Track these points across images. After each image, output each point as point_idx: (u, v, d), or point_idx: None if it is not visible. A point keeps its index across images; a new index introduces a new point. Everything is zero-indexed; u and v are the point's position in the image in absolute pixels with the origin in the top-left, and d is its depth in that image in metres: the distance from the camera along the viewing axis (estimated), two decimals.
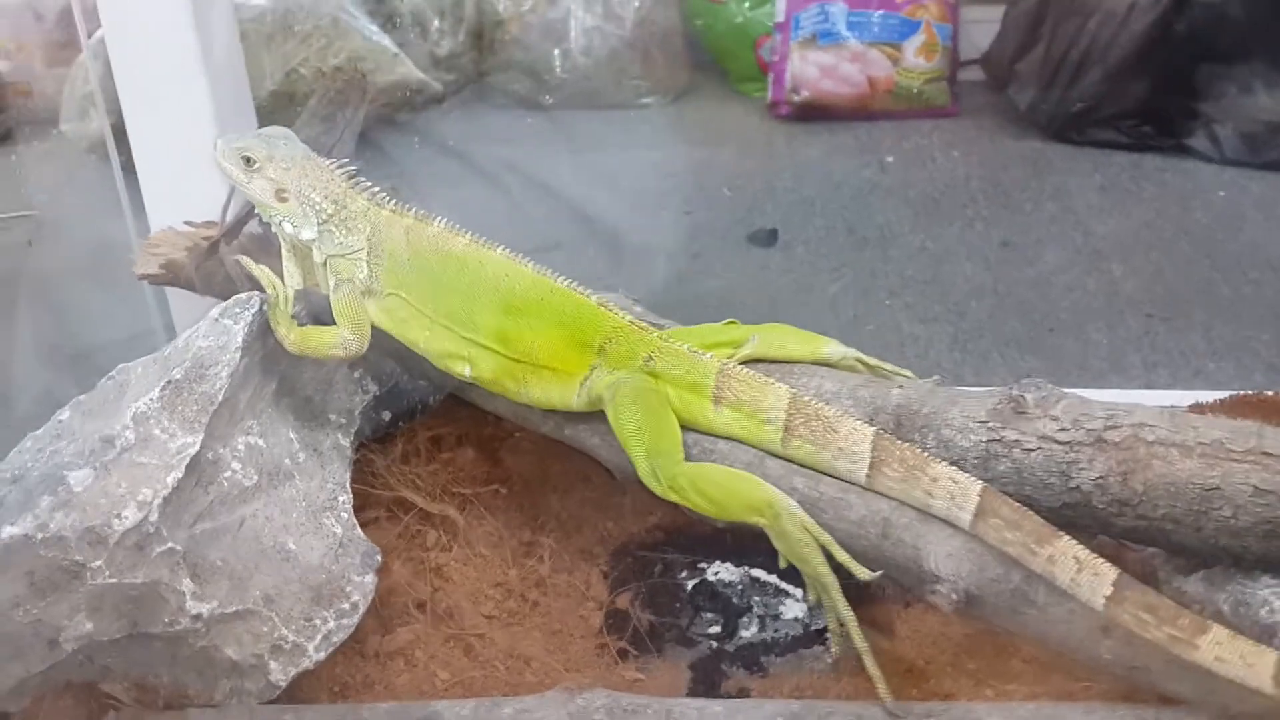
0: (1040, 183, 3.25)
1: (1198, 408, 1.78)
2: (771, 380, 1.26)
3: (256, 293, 1.38)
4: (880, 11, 3.77)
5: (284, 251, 1.42)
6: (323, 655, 1.29)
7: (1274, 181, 3.12)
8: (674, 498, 1.23)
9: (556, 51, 4.22)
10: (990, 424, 1.23)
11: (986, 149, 3.54)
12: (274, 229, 1.41)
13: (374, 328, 1.39)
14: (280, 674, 1.27)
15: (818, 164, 3.56)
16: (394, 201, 1.40)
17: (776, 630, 1.42)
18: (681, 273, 2.86)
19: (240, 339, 1.33)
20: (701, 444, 1.29)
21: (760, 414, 1.25)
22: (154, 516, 1.20)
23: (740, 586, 1.49)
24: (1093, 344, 2.40)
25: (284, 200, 1.37)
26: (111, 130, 2.14)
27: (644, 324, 1.33)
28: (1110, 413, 1.19)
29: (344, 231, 1.37)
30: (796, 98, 3.83)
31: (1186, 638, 1.03)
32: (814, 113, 3.85)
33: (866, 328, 2.53)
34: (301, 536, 1.35)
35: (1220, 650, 1.02)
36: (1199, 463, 1.14)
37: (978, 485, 1.14)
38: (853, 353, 1.43)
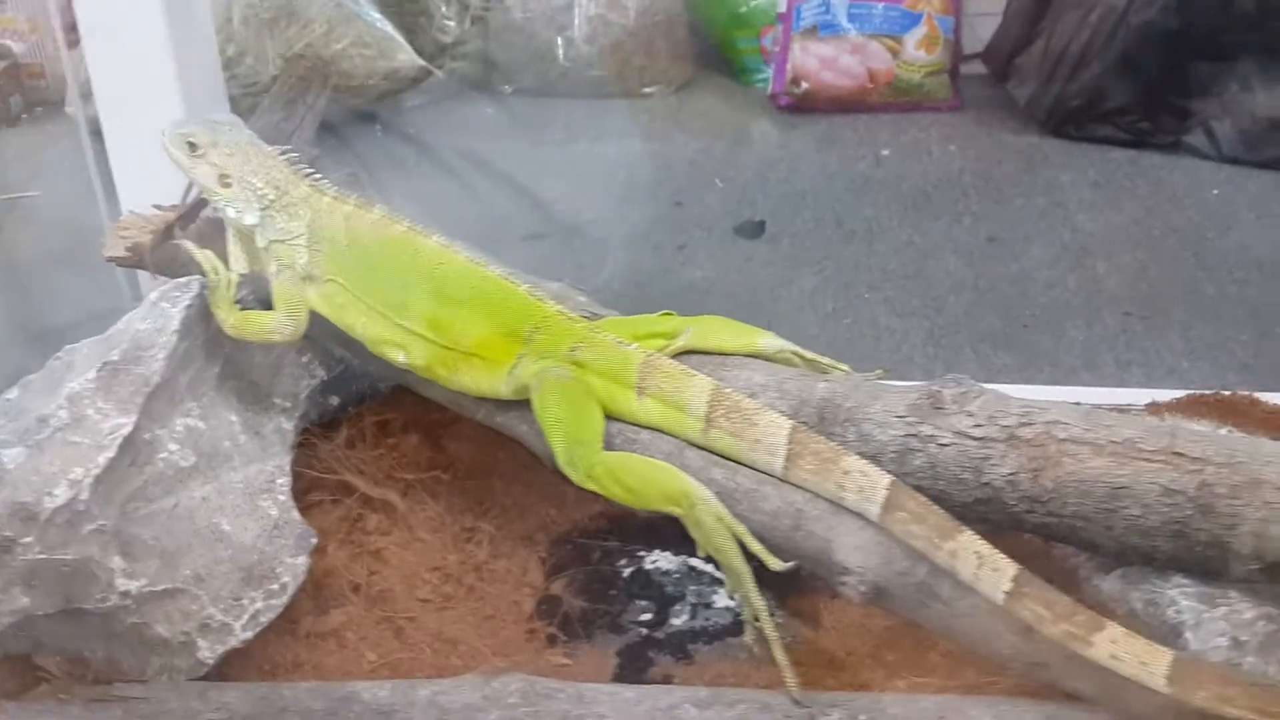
0: (1034, 178, 3.24)
1: (1154, 407, 1.78)
2: (694, 372, 1.27)
3: (196, 277, 1.40)
4: (881, 4, 3.76)
5: (229, 236, 1.44)
6: (250, 635, 1.31)
7: (1270, 180, 3.10)
8: (591, 486, 1.25)
9: (560, 39, 4.22)
10: (908, 419, 1.23)
11: (984, 143, 3.53)
12: (219, 214, 1.43)
13: (314, 314, 1.41)
14: (208, 652, 1.29)
15: (813, 156, 3.55)
16: (336, 189, 1.42)
17: (707, 619, 1.43)
18: (665, 264, 2.87)
19: (177, 322, 1.35)
20: (625, 433, 1.30)
21: (682, 405, 1.26)
22: (84, 495, 1.22)
23: (677, 575, 1.50)
24: (1068, 341, 2.39)
25: (227, 185, 1.39)
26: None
27: (572, 314, 1.34)
28: (1026, 410, 1.19)
29: (285, 217, 1.39)
30: (796, 89, 3.82)
31: (1082, 634, 1.03)
32: (814, 104, 3.84)
33: (844, 321, 2.54)
34: (236, 518, 1.37)
35: (1115, 648, 1.02)
36: (1109, 461, 1.14)
37: (886, 479, 1.14)
38: (789, 346, 1.44)
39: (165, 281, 1.47)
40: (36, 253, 2.39)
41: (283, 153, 1.42)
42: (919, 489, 1.22)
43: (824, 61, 3.79)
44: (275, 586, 1.35)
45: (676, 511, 1.22)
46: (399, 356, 1.38)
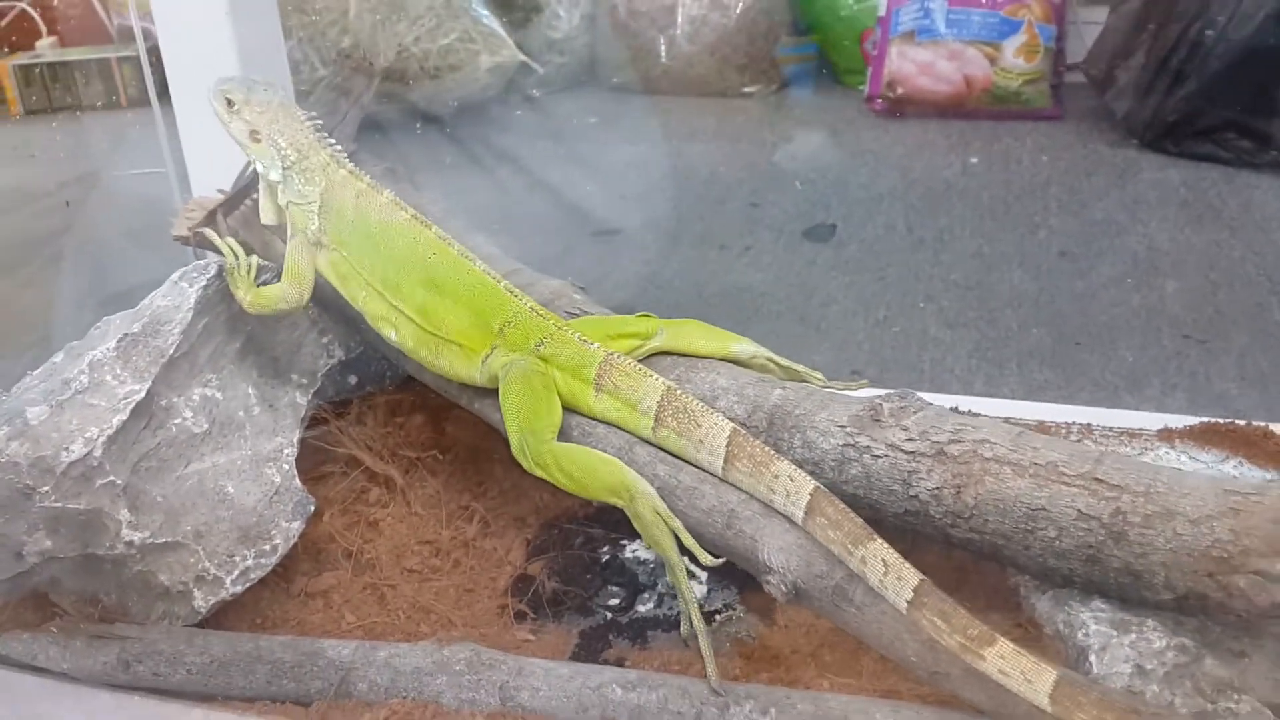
0: (1121, 193, 3.17)
1: (1166, 433, 1.77)
2: (650, 373, 1.33)
3: (217, 259, 1.53)
4: (980, 10, 3.72)
5: (262, 189, 1.55)
6: (240, 589, 1.43)
7: None
8: (539, 473, 1.32)
9: (662, 39, 4.30)
10: (848, 429, 1.27)
11: (1077, 155, 3.47)
12: (253, 167, 1.54)
13: (321, 279, 1.51)
14: (202, 602, 1.42)
15: (899, 161, 3.55)
16: (353, 165, 1.51)
17: (671, 609, 1.49)
18: (728, 264, 2.92)
19: (193, 300, 1.48)
20: (582, 426, 1.37)
21: (635, 402, 1.32)
22: (98, 452, 1.36)
23: (651, 565, 1.56)
24: (1116, 361, 2.35)
25: (257, 141, 1.50)
26: None
27: (544, 312, 1.41)
28: (958, 427, 1.22)
29: (302, 180, 1.49)
30: (891, 93, 3.82)
31: (975, 648, 1.06)
32: (909, 109, 3.83)
33: (892, 329, 2.55)
34: (241, 482, 1.50)
35: (1004, 663, 1.05)
36: (1029, 482, 1.16)
37: (810, 484, 1.19)
38: (763, 352, 1.49)
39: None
40: (125, 228, 2.59)
41: (310, 120, 1.52)
42: (855, 498, 1.27)
43: (920, 66, 3.78)
44: (267, 547, 1.47)
45: (618, 503, 1.28)
46: (391, 334, 1.47)
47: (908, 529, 1.25)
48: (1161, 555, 1.09)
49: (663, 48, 4.30)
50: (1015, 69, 3.69)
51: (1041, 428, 1.79)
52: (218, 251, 1.57)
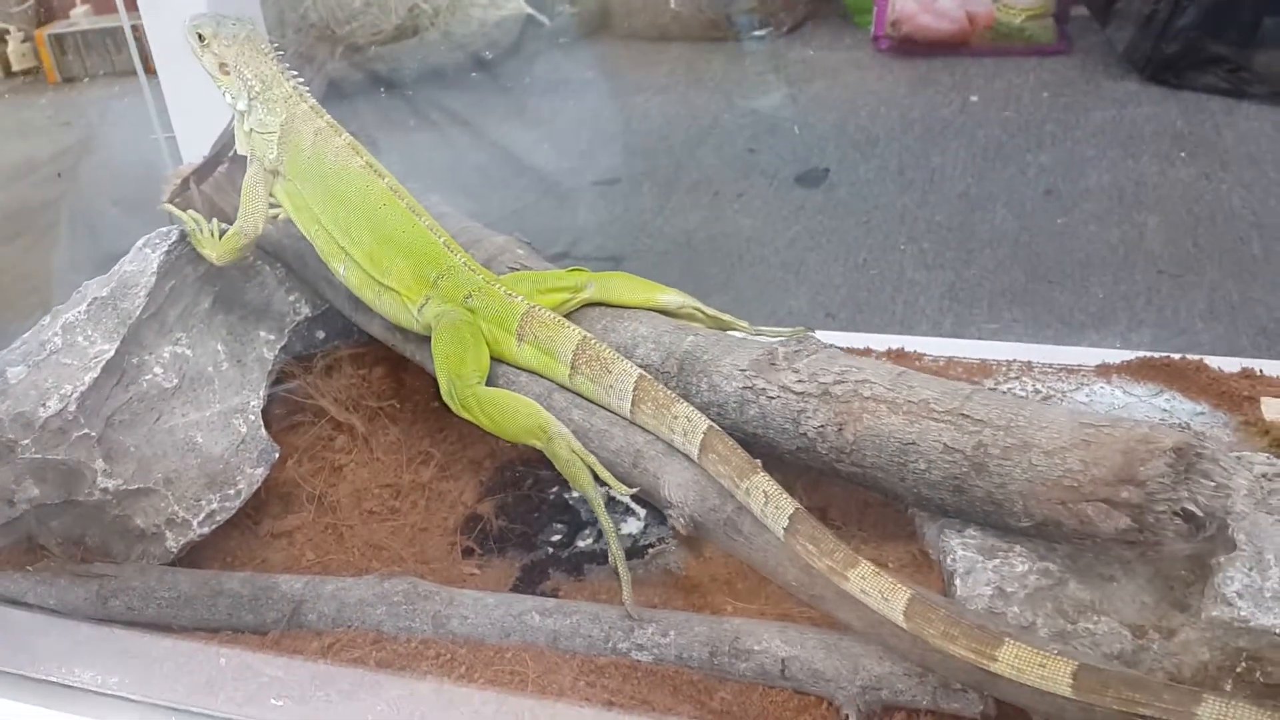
0: (1117, 128, 3.17)
1: (1104, 369, 1.82)
2: (568, 323, 1.42)
3: (178, 226, 1.64)
4: None
5: (235, 121, 1.63)
6: (206, 530, 1.56)
7: None
8: (465, 415, 1.43)
9: None
10: (748, 372, 1.35)
11: (1078, 91, 3.46)
12: (224, 98, 1.64)
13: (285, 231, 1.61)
14: (173, 542, 1.55)
15: (899, 101, 3.57)
16: (314, 101, 1.60)
17: (608, 544, 1.59)
18: (720, 211, 2.99)
19: (155, 265, 1.60)
20: (507, 375, 1.47)
21: (553, 351, 1.42)
22: (72, 407, 1.49)
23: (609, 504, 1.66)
24: (1087, 298, 2.39)
25: (225, 73, 1.60)
26: None
27: (475, 266, 1.51)
28: (844, 369, 1.30)
29: (264, 110, 1.59)
30: (895, 33, 3.82)
31: (839, 569, 1.15)
32: (914, 48, 3.84)
33: (870, 272, 2.60)
34: (210, 433, 1.62)
35: (864, 584, 1.13)
36: (902, 419, 1.23)
37: (705, 424, 1.27)
38: (691, 302, 1.56)
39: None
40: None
41: (276, 53, 1.60)
42: (754, 436, 1.35)
43: (923, 4, 3.78)
44: (231, 491, 1.59)
45: (536, 444, 1.38)
46: (339, 268, 1.57)
47: (802, 465, 1.33)
48: (1019, 485, 1.17)
49: None
50: (1018, 5, 3.67)
51: (983, 367, 1.85)
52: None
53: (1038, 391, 1.77)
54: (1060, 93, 3.44)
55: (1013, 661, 1.05)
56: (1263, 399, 1.67)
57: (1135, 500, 1.10)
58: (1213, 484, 1.12)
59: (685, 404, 1.30)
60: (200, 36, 1.61)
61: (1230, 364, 1.76)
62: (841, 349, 1.44)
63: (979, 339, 1.92)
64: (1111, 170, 2.91)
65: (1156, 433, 1.13)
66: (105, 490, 1.52)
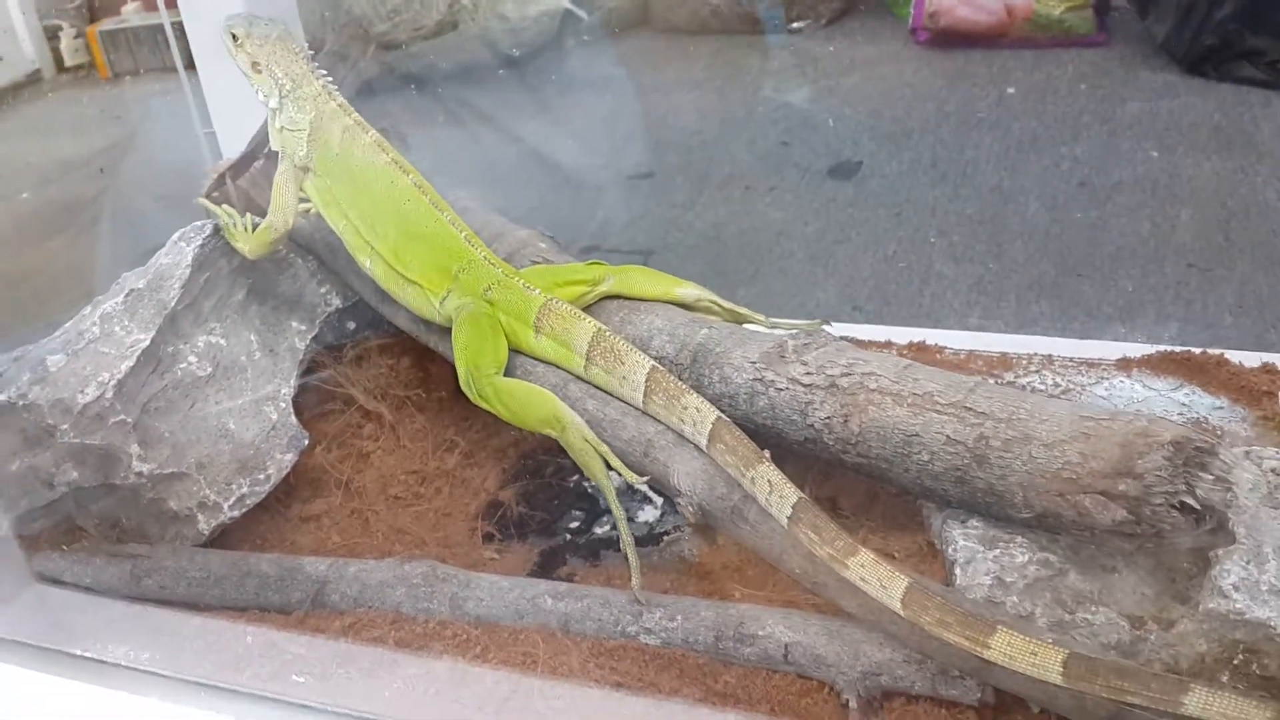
0: (1153, 121, 3.15)
1: (1124, 363, 1.82)
2: (584, 316, 1.46)
3: (213, 220, 1.70)
4: None
5: (269, 118, 1.69)
6: (237, 513, 1.61)
7: None
8: (483, 405, 1.47)
9: None
10: (758, 364, 1.38)
11: (1115, 83, 3.44)
12: (256, 96, 1.69)
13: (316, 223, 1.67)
14: (205, 525, 1.61)
15: (935, 94, 3.57)
16: (343, 99, 1.64)
17: None
18: (751, 205, 3.01)
19: (190, 258, 1.65)
20: (524, 365, 1.50)
21: (570, 343, 1.45)
22: (109, 395, 1.55)
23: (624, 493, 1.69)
24: (1115, 292, 2.39)
25: (258, 72, 1.66)
26: None
27: (495, 260, 1.54)
28: (851, 362, 1.32)
29: (295, 108, 1.64)
30: (934, 25, 3.82)
31: (840, 558, 1.17)
32: (952, 40, 3.83)
33: (899, 265, 2.61)
34: (242, 419, 1.68)
35: (864, 572, 1.16)
36: (907, 411, 1.26)
37: (714, 414, 1.30)
38: (708, 295, 1.59)
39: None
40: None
41: (305, 53, 1.65)
42: (763, 427, 1.38)
43: None
44: (261, 476, 1.64)
45: (551, 433, 1.42)
46: (366, 262, 1.62)
47: (811, 456, 1.36)
48: (1019, 477, 1.18)
49: None
50: None
51: (1004, 360, 1.86)
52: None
53: (1057, 385, 1.78)
54: (1098, 84, 3.42)
55: (1005, 649, 1.07)
56: None
57: (1132, 493, 1.12)
58: (1211, 478, 1.13)
59: (695, 395, 1.33)
60: (234, 36, 1.66)
61: (1251, 359, 1.76)
62: (852, 342, 1.46)
63: (1002, 333, 1.92)
64: (1146, 163, 2.89)
65: (1155, 426, 1.14)
66: (140, 474, 1.58)
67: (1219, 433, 1.62)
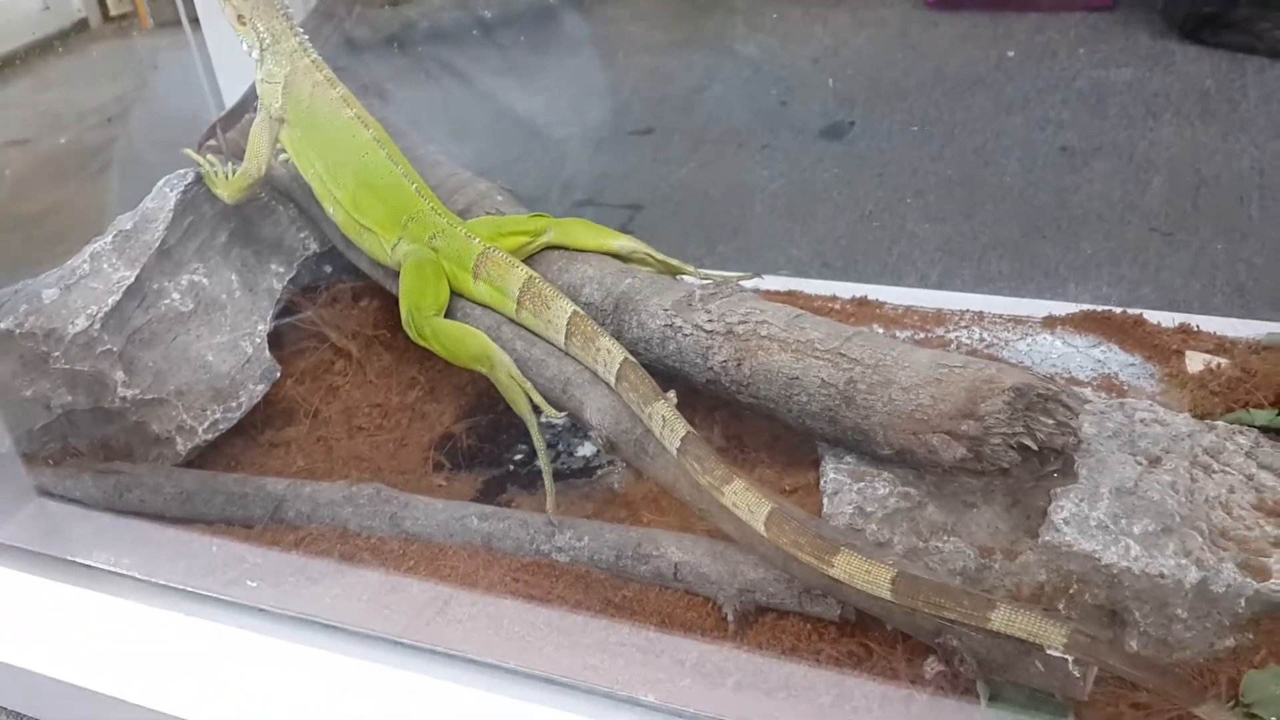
0: (1144, 86, 3.19)
1: (1050, 320, 1.92)
2: (517, 263, 1.59)
3: (195, 168, 1.85)
4: None
5: (255, 68, 1.83)
6: (210, 436, 1.78)
7: None
8: (423, 343, 1.61)
9: None
10: (669, 311, 1.50)
11: (1115, 48, 3.47)
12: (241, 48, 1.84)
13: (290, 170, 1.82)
14: (182, 446, 1.77)
15: (937, 55, 3.61)
16: (315, 55, 1.77)
17: (564, 464, 1.76)
18: (742, 163, 3.10)
19: (173, 202, 1.81)
20: (464, 308, 1.64)
21: (504, 289, 1.59)
22: (96, 326, 1.71)
23: (557, 428, 1.83)
24: (1075, 254, 2.47)
25: (243, 24, 1.80)
26: None
27: (440, 210, 1.68)
28: (748, 311, 1.44)
29: (272, 61, 1.78)
30: None
31: (718, 485, 1.30)
32: (962, 2, 3.85)
33: (873, 225, 2.71)
34: (219, 352, 1.84)
35: (735, 498, 1.29)
36: (790, 356, 1.38)
37: (621, 355, 1.43)
38: (642, 247, 1.71)
39: None
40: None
41: (286, 9, 1.78)
42: (673, 369, 1.51)
43: None
44: (234, 404, 1.80)
45: (481, 369, 1.56)
46: (330, 209, 1.77)
47: (714, 397, 1.48)
48: (880, 417, 1.30)
49: None
50: None
51: (938, 316, 1.96)
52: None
53: (982, 340, 1.88)
54: (1097, 49, 3.45)
55: (845, 567, 1.19)
56: (1187, 353, 1.76)
57: (973, 433, 1.23)
58: (1052, 422, 1.24)
59: (608, 338, 1.46)
60: None
61: (1169, 319, 1.85)
62: (798, 297, 1.58)
63: (947, 290, 2.02)
64: (1130, 129, 2.94)
65: (1001, 374, 1.26)
66: (124, 399, 1.74)
67: (1126, 388, 1.72)
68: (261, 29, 1.78)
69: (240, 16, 1.80)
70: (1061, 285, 2.35)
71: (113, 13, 5.44)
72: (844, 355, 1.34)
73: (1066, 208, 2.63)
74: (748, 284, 1.71)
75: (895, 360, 1.32)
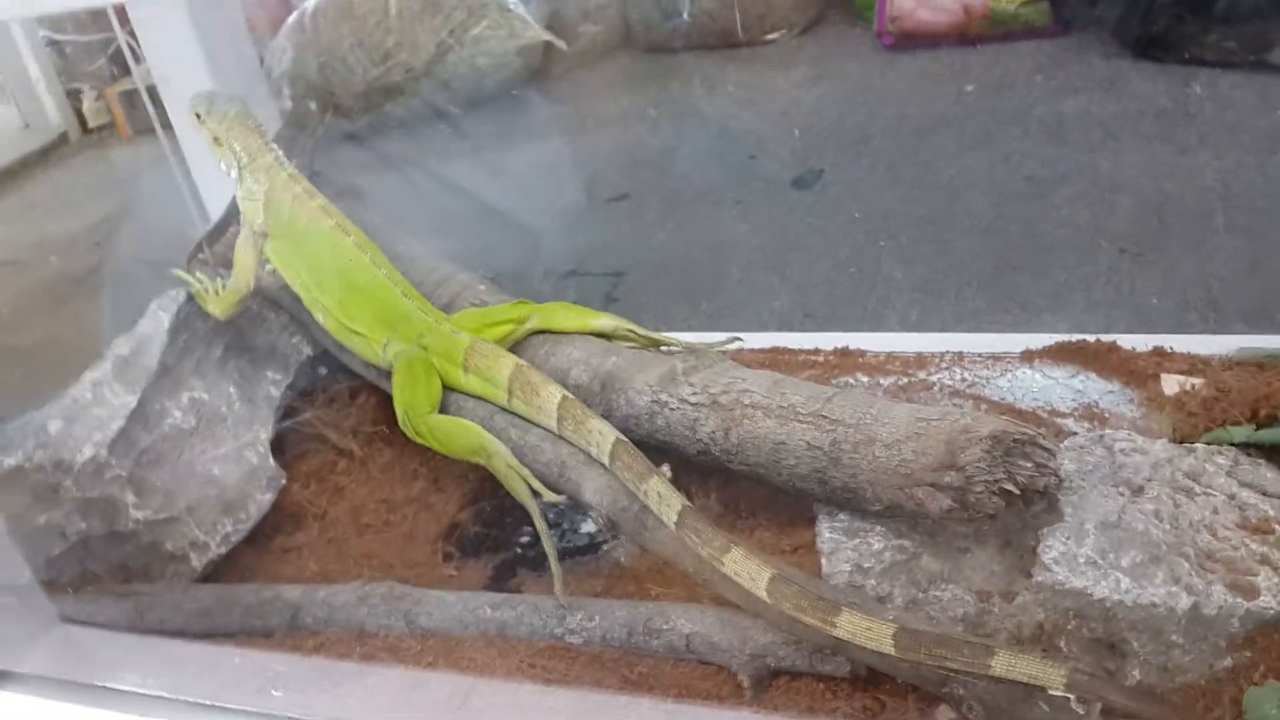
0: (1102, 108, 3.27)
1: (1028, 354, 1.97)
2: (505, 354, 1.64)
3: (185, 289, 1.91)
4: None
5: (235, 185, 1.90)
6: (223, 550, 1.82)
7: None
8: (419, 440, 1.66)
9: None
10: (655, 387, 1.55)
11: (1070, 73, 3.56)
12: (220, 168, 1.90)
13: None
14: (197, 562, 1.81)
15: (897, 97, 3.70)
16: (292, 170, 1.84)
17: (569, 542, 1.80)
18: (718, 219, 3.17)
19: (167, 324, 1.86)
20: (458, 401, 1.69)
21: (494, 379, 1.64)
22: (104, 453, 1.76)
23: (559, 509, 1.87)
24: (1048, 282, 2.52)
25: (219, 145, 1.87)
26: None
27: (427, 310, 1.73)
28: (730, 381, 1.49)
29: (251, 179, 1.85)
30: (895, 28, 3.95)
31: (717, 555, 1.34)
32: (914, 42, 3.96)
33: (849, 270, 2.77)
34: (225, 465, 1.88)
35: (737, 566, 1.33)
36: (774, 422, 1.43)
37: (614, 436, 1.48)
38: (624, 324, 1.77)
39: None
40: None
41: (260, 128, 1.86)
42: (664, 444, 1.56)
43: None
44: (243, 515, 1.85)
45: (480, 461, 1.61)
46: (320, 316, 1.82)
47: (706, 467, 1.53)
48: (866, 475, 1.35)
49: (685, 4, 4.50)
50: None
51: (919, 360, 2.01)
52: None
53: (964, 380, 1.93)
54: (1053, 76, 3.53)
55: (849, 627, 1.23)
56: (1163, 375, 1.81)
57: (956, 483, 1.28)
58: (1030, 465, 1.29)
59: (599, 419, 1.51)
60: (198, 115, 1.87)
61: (1142, 343, 1.90)
62: (783, 351, 1.63)
63: (922, 332, 2.07)
64: (1091, 152, 3.01)
65: (976, 423, 1.30)
66: (137, 520, 1.78)
67: (1107, 416, 1.76)
68: (238, 148, 1.84)
69: (216, 138, 1.86)
70: (1037, 315, 2.40)
71: (91, 125, 5.56)
72: (826, 417, 1.39)
73: (1035, 237, 2.70)
74: (731, 347, 1.77)
75: (875, 417, 1.36)
